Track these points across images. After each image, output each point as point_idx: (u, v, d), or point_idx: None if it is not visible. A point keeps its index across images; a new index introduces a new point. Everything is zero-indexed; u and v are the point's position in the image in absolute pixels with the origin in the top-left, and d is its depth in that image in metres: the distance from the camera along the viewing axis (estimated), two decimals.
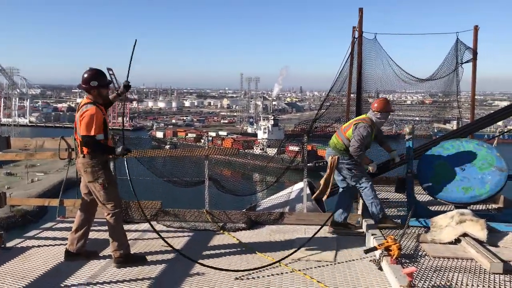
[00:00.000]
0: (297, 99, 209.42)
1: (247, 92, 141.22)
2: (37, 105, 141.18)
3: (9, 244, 5.74)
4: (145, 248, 5.63)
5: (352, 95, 8.78)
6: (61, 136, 6.54)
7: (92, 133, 4.76)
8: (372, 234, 5.58)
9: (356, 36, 7.82)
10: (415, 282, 4.12)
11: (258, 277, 4.71)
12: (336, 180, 6.25)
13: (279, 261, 5.03)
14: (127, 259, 4.98)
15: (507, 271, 4.41)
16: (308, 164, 7.50)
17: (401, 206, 6.89)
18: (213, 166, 8.43)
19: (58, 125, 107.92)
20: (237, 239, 5.99)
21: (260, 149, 66.70)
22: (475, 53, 8.82)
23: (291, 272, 4.81)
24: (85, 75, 4.92)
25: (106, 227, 5.13)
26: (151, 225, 5.45)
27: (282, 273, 4.78)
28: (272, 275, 4.75)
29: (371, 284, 4.49)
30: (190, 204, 7.62)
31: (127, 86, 5.20)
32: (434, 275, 4.38)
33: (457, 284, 4.18)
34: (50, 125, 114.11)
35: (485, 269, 4.49)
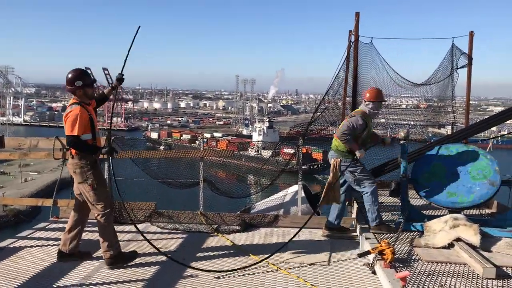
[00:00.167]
0: (292, 102, 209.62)
1: (242, 93, 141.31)
2: (31, 104, 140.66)
3: (1, 244, 5.71)
4: (139, 249, 5.59)
5: (347, 98, 8.79)
6: (56, 136, 6.51)
7: (75, 133, 4.74)
8: (366, 238, 5.59)
9: (352, 40, 7.83)
10: (408, 286, 4.14)
11: (252, 280, 4.70)
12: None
13: (263, 259, 5.03)
14: (118, 259, 4.96)
15: (499, 276, 4.43)
16: (303, 167, 7.50)
17: (395, 210, 6.90)
18: (208, 167, 8.41)
19: (52, 124, 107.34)
20: (231, 241, 5.98)
21: (255, 151, 66.77)
22: (470, 58, 8.85)
23: (285, 275, 4.81)
24: (69, 76, 4.90)
25: None
26: (136, 227, 5.41)
27: (276, 276, 4.78)
28: (267, 278, 4.74)
29: None
30: (184, 206, 7.61)
31: (120, 79, 5.18)
32: (427, 280, 4.39)
33: None
34: (44, 124, 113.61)
35: (478, 274, 4.51)
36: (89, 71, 5.44)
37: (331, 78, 8.62)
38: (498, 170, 5.98)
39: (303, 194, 7.34)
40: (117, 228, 5.76)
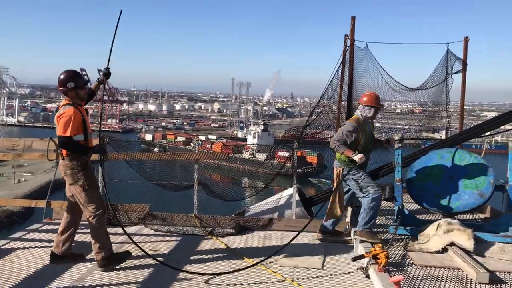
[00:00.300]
0: (287, 105, 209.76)
1: (238, 96, 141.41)
2: (25, 104, 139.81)
3: None
4: (132, 251, 5.54)
5: (342, 102, 8.82)
6: (50, 137, 6.47)
7: (68, 133, 4.72)
8: (360, 242, 5.59)
9: (348, 44, 7.86)
10: None
11: (245, 283, 4.69)
12: None
13: (258, 263, 5.03)
14: (110, 260, 4.93)
15: (493, 281, 4.45)
16: (298, 170, 7.51)
17: (390, 214, 6.92)
18: (202, 170, 8.39)
19: (46, 125, 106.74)
20: (225, 244, 5.97)
21: (250, 154, 66.74)
22: (465, 64, 8.92)
23: (279, 278, 4.80)
24: (61, 77, 4.89)
25: None
26: (124, 230, 5.39)
27: (270, 280, 4.78)
28: (261, 281, 4.74)
29: None
30: (178, 208, 7.59)
31: (107, 74, 5.14)
32: (421, 284, 4.40)
33: None
34: (38, 125, 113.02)
35: (471, 279, 4.52)
36: (84, 72, 5.42)
37: (327, 81, 8.68)
38: (492, 182, 6.01)
39: (297, 198, 7.34)
40: (111, 230, 5.75)
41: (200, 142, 7.67)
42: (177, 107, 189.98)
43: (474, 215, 7.11)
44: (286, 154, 8.80)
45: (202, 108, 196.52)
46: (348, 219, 7.12)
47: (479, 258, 5.01)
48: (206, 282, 4.68)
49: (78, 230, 5.30)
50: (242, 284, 4.67)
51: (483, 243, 5.49)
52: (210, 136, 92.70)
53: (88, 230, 5.06)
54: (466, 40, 8.96)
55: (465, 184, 6.06)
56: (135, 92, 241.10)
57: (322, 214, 8.14)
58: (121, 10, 5.18)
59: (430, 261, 4.98)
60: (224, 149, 65.35)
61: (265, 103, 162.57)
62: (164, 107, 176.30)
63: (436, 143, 8.28)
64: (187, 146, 64.53)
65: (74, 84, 4.88)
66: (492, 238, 5.65)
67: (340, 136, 5.70)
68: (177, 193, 7.69)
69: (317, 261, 5.33)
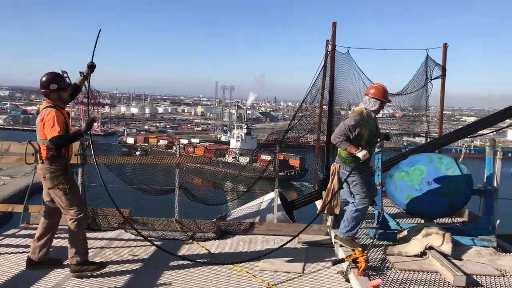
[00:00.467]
0: (271, 109, 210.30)
1: (221, 100, 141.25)
2: (5, 107, 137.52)
3: None
4: (112, 256, 5.52)
5: (324, 106, 8.87)
6: (28, 140, 6.37)
7: (58, 132, 4.61)
8: (341, 246, 5.62)
9: (330, 49, 7.92)
10: None
11: None
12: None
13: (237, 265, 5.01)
14: (84, 266, 4.81)
15: (469, 284, 4.51)
16: (280, 174, 7.51)
17: (370, 218, 6.97)
18: (184, 174, 8.33)
19: (27, 128, 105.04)
20: (206, 249, 5.94)
21: (233, 157, 66.65)
22: (444, 69, 9.06)
23: (259, 283, 4.79)
24: (44, 79, 4.80)
25: None
26: (140, 233, 5.35)
27: (250, 285, 4.77)
28: (241, 286, 4.72)
29: None
30: (159, 213, 7.53)
31: (91, 66, 5.10)
32: None
33: None
34: (18, 128, 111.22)
35: (449, 282, 4.58)
36: (65, 75, 5.34)
37: (309, 86, 8.72)
38: (468, 195, 6.15)
39: (279, 202, 7.35)
40: (90, 235, 5.68)
41: (182, 146, 7.61)
42: (160, 110, 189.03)
43: (453, 219, 7.21)
44: (269, 158, 8.81)
45: (185, 111, 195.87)
46: (329, 223, 7.16)
47: (456, 262, 5.07)
48: (191, 286, 4.64)
49: (56, 235, 5.22)
50: None
51: (461, 246, 5.57)
52: (193, 140, 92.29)
53: (67, 235, 4.98)
54: (445, 46, 9.11)
55: (440, 192, 6.17)
56: (117, 95, 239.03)
57: (305, 218, 8.19)
58: (100, 30, 5.30)
59: (409, 265, 5.03)
60: (207, 153, 65.08)
61: (249, 107, 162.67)
62: (147, 110, 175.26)
63: (416, 148, 8.41)
64: (169, 150, 63.96)
65: (57, 86, 4.80)
66: (470, 242, 5.74)
67: (343, 131, 5.36)
68: (157, 197, 7.63)
69: (298, 265, 5.34)
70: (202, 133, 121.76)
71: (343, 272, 4.95)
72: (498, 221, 6.10)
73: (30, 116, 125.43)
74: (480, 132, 8.28)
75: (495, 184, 6.10)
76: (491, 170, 6.00)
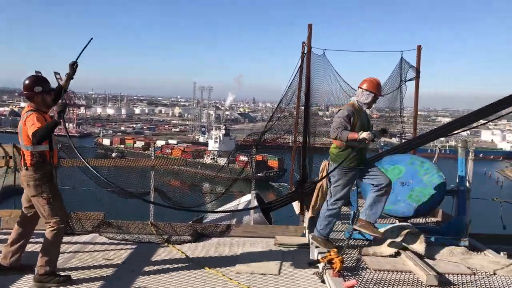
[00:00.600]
0: (249, 110, 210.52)
1: (199, 101, 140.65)
2: None
3: None
4: (86, 261, 5.42)
5: (301, 107, 8.92)
6: None
7: (37, 126, 4.45)
8: (316, 247, 5.64)
9: (305, 51, 7.96)
10: None
11: None
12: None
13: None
14: (49, 278, 4.61)
15: (442, 283, 4.58)
16: (259, 174, 7.52)
17: (345, 219, 7.03)
18: (161, 176, 8.26)
19: None
20: (182, 252, 5.89)
21: (211, 158, 66.48)
22: (418, 71, 9.22)
23: (235, 285, 4.78)
24: (28, 81, 4.68)
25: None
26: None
27: (226, 287, 4.74)
28: None
29: None
30: (134, 216, 7.44)
31: (73, 65, 4.81)
32: None
33: None
34: None
35: (422, 282, 4.65)
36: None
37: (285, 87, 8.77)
38: (436, 201, 6.31)
39: (256, 203, 7.35)
40: (63, 239, 5.55)
41: (158, 147, 7.53)
42: (137, 111, 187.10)
43: (427, 219, 7.33)
44: (247, 159, 8.80)
45: (163, 112, 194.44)
46: (305, 224, 7.19)
47: (430, 261, 5.15)
48: None
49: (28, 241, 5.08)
50: None
51: (434, 246, 5.66)
52: (170, 141, 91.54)
53: (39, 240, 4.84)
54: (419, 48, 9.26)
55: (410, 195, 6.28)
56: (93, 95, 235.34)
57: (282, 220, 8.21)
58: (91, 38, 5.10)
59: (384, 265, 5.08)
60: (184, 155, 64.73)
61: (227, 108, 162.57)
62: (123, 111, 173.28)
63: (391, 149, 8.52)
64: (146, 151, 63.52)
65: (41, 89, 4.68)
66: (443, 241, 5.83)
67: (340, 122, 5.23)
68: (133, 200, 7.54)
69: (274, 267, 5.34)
70: (180, 134, 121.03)
71: (318, 273, 4.98)
72: (470, 220, 6.23)
73: (2, 117, 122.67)
74: (455, 132, 8.44)
75: (467, 184, 6.22)
76: (463, 170, 6.12)
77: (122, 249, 6.00)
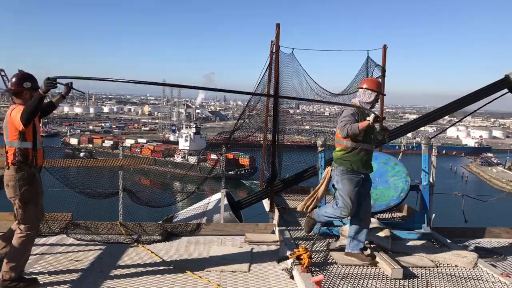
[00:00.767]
0: (221, 108, 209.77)
1: (169, 99, 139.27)
2: None
3: None
4: (53, 263, 5.33)
5: (271, 105, 8.98)
6: None
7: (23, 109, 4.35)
8: (285, 244, 5.73)
9: (274, 50, 8.03)
10: None
11: None
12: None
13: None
14: (14, 284, 4.46)
15: (406, 276, 4.74)
16: (230, 172, 7.55)
17: None
18: (131, 175, 8.19)
19: None
20: (152, 252, 5.87)
21: (182, 157, 66.05)
22: (383, 70, 9.41)
23: (205, 284, 4.80)
24: (16, 77, 4.62)
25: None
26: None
27: (196, 286, 4.76)
28: (187, 287, 4.72)
29: None
30: (103, 216, 7.36)
31: (68, 85, 4.65)
32: (341, 282, 4.59)
33: None
34: None
35: (387, 275, 4.79)
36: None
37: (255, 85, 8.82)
38: (392, 205, 6.52)
39: (226, 202, 7.38)
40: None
41: (129, 146, 7.47)
42: (105, 109, 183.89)
43: (392, 214, 7.52)
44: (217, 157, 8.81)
45: (132, 110, 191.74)
46: (275, 221, 7.28)
47: (395, 255, 5.30)
48: None
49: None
50: None
51: (399, 240, 5.84)
52: (140, 140, 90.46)
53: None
54: (384, 48, 9.47)
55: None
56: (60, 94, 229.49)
57: (253, 218, 8.25)
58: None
59: (351, 260, 5.20)
60: (154, 154, 64.11)
61: (198, 106, 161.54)
62: (92, 110, 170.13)
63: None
64: (115, 151, 62.59)
65: (31, 85, 4.60)
66: (407, 235, 6.02)
67: (346, 120, 5.00)
68: (102, 200, 7.46)
69: (244, 264, 5.39)
70: (149, 133, 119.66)
71: (287, 270, 5.05)
72: (434, 215, 6.45)
73: None
74: (422, 128, 8.74)
75: (431, 180, 6.44)
76: (426, 166, 6.32)
77: (90, 250, 5.93)
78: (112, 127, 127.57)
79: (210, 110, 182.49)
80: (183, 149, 74.24)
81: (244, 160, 62.81)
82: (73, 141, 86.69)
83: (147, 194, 8.16)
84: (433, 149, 6.77)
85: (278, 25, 7.75)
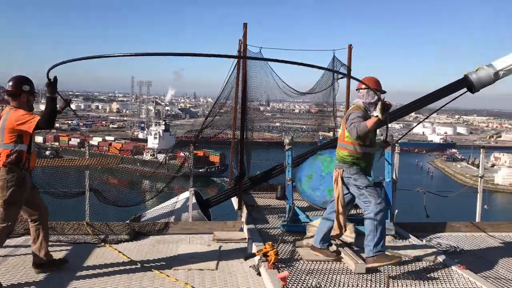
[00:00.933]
0: (191, 105, 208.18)
1: (138, 96, 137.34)
2: None
3: None
4: (17, 264, 5.24)
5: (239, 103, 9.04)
6: None
7: (36, 118, 4.41)
8: (253, 241, 5.80)
9: (242, 49, 8.09)
10: (289, 285, 4.40)
11: None
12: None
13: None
14: None
15: (369, 270, 4.88)
16: (200, 170, 7.58)
17: (281, 212, 7.27)
18: (98, 173, 8.08)
19: None
20: (119, 251, 5.84)
21: (151, 155, 65.36)
22: (349, 69, 9.62)
23: (172, 282, 4.83)
24: (15, 79, 4.63)
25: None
26: None
27: (163, 284, 4.78)
28: (154, 286, 4.73)
29: None
30: (69, 216, 7.26)
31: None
32: (306, 278, 4.70)
33: (326, 285, 4.54)
34: None
35: (351, 270, 4.93)
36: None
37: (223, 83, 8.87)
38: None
39: (194, 200, 7.40)
40: None
41: (96, 144, 7.38)
42: (72, 106, 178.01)
43: (357, 210, 7.70)
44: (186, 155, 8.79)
45: (100, 108, 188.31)
46: (243, 219, 7.35)
47: (359, 250, 5.45)
48: None
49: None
50: None
51: (363, 235, 5.99)
52: (108, 138, 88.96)
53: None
54: (350, 47, 9.67)
55: (331, 189, 6.65)
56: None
57: (222, 216, 8.30)
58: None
59: (317, 256, 5.32)
60: (122, 151, 63.28)
61: (167, 103, 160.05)
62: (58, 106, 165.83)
63: (325, 143, 8.86)
64: (82, 149, 61.40)
65: (29, 88, 4.62)
66: None
67: (355, 121, 4.88)
68: (68, 200, 7.36)
69: (212, 262, 5.43)
70: (118, 131, 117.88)
71: (254, 266, 5.13)
72: (397, 210, 6.65)
73: None
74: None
75: (394, 177, 6.63)
76: (390, 163, 6.50)
77: (56, 250, 5.84)
78: (80, 124, 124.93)
79: (179, 107, 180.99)
80: (152, 147, 73.46)
81: (215, 158, 62.66)
82: (38, 139, 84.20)
83: (114, 194, 8.09)
84: (396, 147, 6.97)
85: (245, 25, 7.83)
